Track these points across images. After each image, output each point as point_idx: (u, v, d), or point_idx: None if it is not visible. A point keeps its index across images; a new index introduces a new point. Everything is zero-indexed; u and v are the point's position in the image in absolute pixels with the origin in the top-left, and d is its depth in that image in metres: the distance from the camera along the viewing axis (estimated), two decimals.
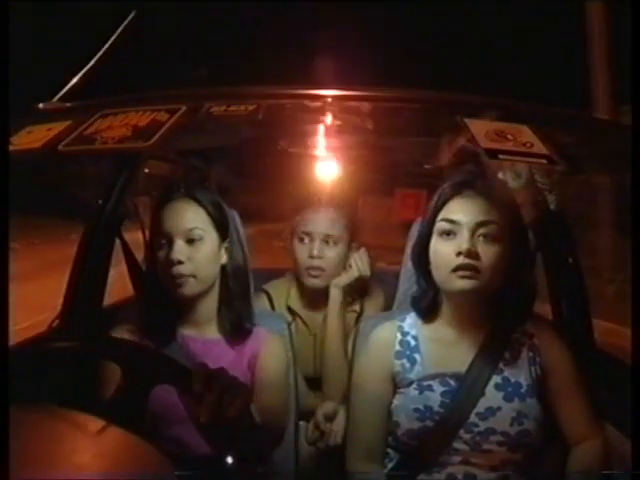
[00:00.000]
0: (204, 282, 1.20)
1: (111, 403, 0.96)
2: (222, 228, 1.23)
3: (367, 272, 1.58)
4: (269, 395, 1.22)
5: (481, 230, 1.07)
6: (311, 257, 1.56)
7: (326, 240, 1.57)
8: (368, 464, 1.14)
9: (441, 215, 1.09)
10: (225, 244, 1.24)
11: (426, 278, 1.14)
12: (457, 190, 1.09)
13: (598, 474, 1.07)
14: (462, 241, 1.06)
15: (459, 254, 1.05)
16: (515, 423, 1.07)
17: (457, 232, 1.07)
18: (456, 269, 1.06)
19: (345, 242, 1.59)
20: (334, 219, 1.58)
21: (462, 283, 1.06)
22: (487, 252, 1.06)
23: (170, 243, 1.18)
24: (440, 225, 1.09)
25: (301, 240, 1.59)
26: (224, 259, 1.24)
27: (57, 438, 0.67)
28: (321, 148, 1.49)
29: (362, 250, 1.61)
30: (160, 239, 1.19)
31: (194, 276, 1.17)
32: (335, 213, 1.59)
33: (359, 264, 1.57)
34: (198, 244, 1.19)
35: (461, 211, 1.08)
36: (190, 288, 1.18)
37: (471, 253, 1.05)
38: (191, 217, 1.20)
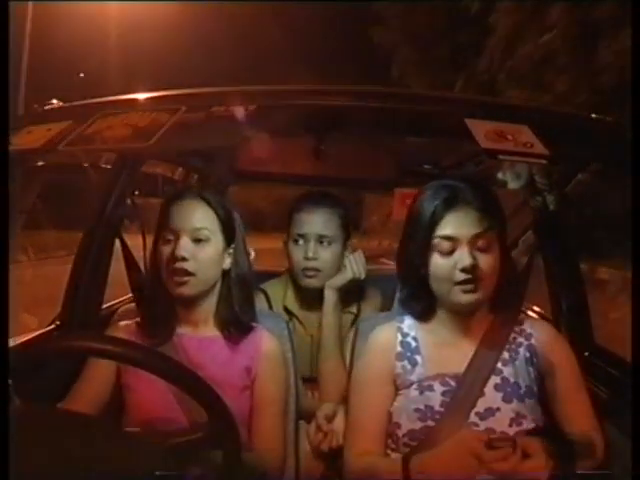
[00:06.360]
0: (204, 283, 1.20)
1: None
2: (229, 232, 1.23)
3: (362, 274, 1.57)
4: (270, 400, 1.23)
5: (479, 242, 1.07)
6: (306, 258, 1.55)
7: (320, 241, 1.56)
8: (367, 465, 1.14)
9: (437, 232, 1.08)
10: (230, 249, 1.24)
11: (421, 288, 1.14)
12: (450, 205, 1.08)
13: (598, 474, 1.07)
14: (463, 257, 1.06)
15: (462, 270, 1.06)
16: (514, 424, 1.07)
17: (456, 248, 1.07)
18: (459, 283, 1.07)
19: (340, 241, 1.58)
20: (328, 219, 1.57)
21: (467, 297, 1.08)
22: (486, 261, 1.07)
23: (176, 239, 1.18)
24: (437, 243, 1.08)
25: (296, 242, 1.58)
26: (227, 264, 1.24)
27: (57, 438, 0.67)
28: (317, 147, 1.49)
29: (358, 252, 1.60)
30: (166, 235, 1.20)
31: (195, 275, 1.17)
32: (329, 213, 1.58)
33: (353, 266, 1.56)
34: (204, 244, 1.19)
35: (458, 226, 1.07)
36: (190, 287, 1.18)
37: (473, 268, 1.06)
38: (200, 217, 1.20)
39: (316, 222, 1.56)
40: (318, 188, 1.80)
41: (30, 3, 12.14)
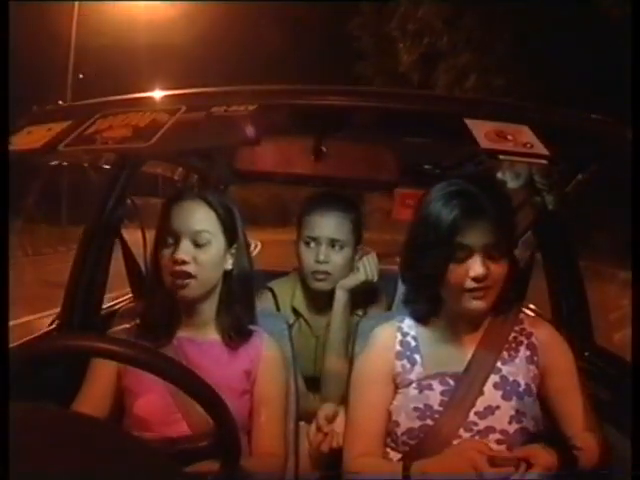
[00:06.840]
0: (205, 285, 1.20)
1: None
2: (230, 232, 1.22)
3: (374, 277, 1.57)
4: (270, 403, 1.22)
5: (492, 251, 1.07)
6: (317, 262, 1.55)
7: (332, 244, 1.55)
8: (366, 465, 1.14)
9: (453, 240, 1.06)
10: (232, 249, 1.23)
11: (427, 290, 1.14)
12: (467, 214, 1.06)
13: (598, 474, 1.07)
14: (476, 266, 1.06)
15: (474, 279, 1.06)
16: (514, 421, 1.07)
17: (469, 256, 1.07)
18: (469, 291, 1.07)
19: (351, 245, 1.58)
20: (340, 223, 1.56)
21: (476, 304, 1.08)
22: (497, 270, 1.07)
23: (177, 242, 1.17)
24: (452, 250, 1.07)
25: (307, 244, 1.57)
26: (229, 264, 1.23)
27: (57, 438, 0.67)
28: (324, 150, 1.49)
29: (372, 255, 1.59)
30: (167, 237, 1.18)
31: (196, 277, 1.16)
32: (341, 217, 1.57)
33: (367, 268, 1.56)
34: (205, 247, 1.18)
35: (473, 236, 1.06)
36: (191, 290, 1.17)
37: (485, 277, 1.06)
38: (201, 218, 1.19)
39: (328, 226, 1.56)
40: (318, 188, 1.80)
41: (77, 3, 12.60)
